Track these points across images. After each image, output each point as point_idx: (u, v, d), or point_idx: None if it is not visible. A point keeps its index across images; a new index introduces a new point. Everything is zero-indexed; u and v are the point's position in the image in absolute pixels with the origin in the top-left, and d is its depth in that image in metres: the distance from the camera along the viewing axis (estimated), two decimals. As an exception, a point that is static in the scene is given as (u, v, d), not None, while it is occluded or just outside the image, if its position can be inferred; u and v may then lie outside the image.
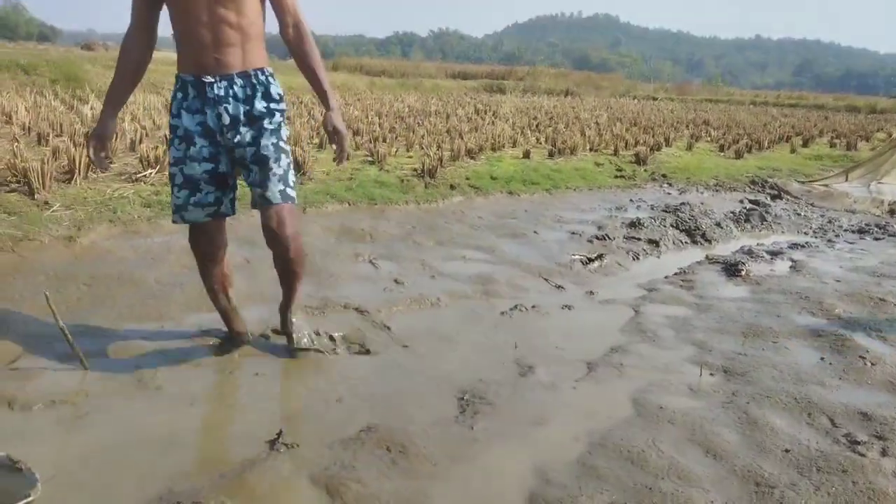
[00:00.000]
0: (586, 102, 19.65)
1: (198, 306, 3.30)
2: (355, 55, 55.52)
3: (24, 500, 1.40)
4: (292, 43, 2.54)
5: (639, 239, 5.23)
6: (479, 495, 2.01)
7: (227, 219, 2.73)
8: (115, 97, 2.55)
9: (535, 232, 5.29)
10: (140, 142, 6.19)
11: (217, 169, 2.54)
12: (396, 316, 3.43)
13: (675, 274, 4.48)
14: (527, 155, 8.10)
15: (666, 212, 6.16)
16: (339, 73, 24.73)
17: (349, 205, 5.43)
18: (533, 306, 3.67)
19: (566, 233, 5.33)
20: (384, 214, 5.36)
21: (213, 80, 2.44)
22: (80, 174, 4.71)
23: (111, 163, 2.61)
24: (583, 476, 2.12)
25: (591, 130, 10.72)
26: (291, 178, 2.59)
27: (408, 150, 7.61)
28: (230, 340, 2.90)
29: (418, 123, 10.13)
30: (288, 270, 2.72)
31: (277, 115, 2.54)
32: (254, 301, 3.46)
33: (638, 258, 4.87)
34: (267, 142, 2.50)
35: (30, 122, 6.84)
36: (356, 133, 8.44)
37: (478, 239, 4.95)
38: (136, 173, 5.14)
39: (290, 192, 2.57)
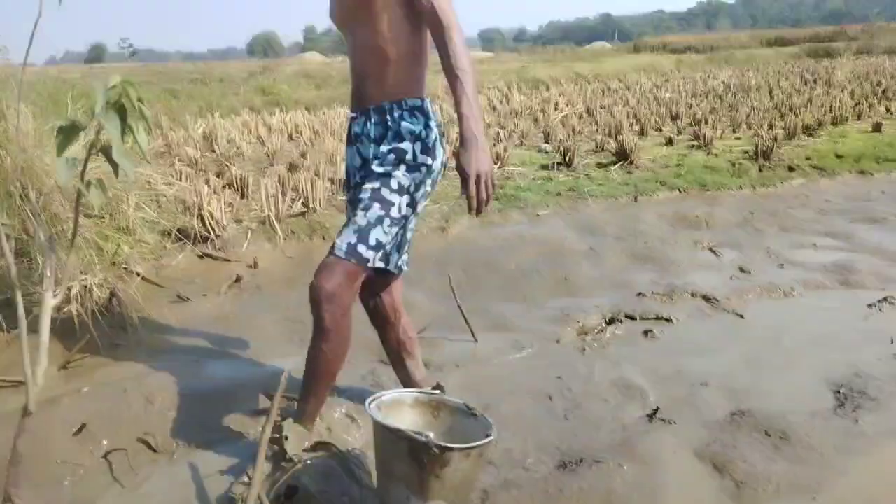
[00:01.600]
0: (946, 59, 16.56)
1: (556, 291, 3.66)
2: (655, 33, 53.62)
3: (487, 440, 1.78)
4: (431, 34, 1.95)
5: None
6: (879, 491, 1.97)
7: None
8: None
9: (897, 216, 4.76)
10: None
11: None
12: (748, 305, 3.41)
13: None
14: (877, 128, 7.21)
15: None
16: (642, 54, 24.21)
17: (679, 192, 5.43)
18: (906, 299, 3.36)
19: (939, 216, 4.69)
20: (717, 200, 5.26)
21: (354, 115, 2.11)
22: (439, 172, 5.44)
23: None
24: None
25: (959, 93, 9.09)
26: (377, 235, 1.96)
27: (734, 131, 7.29)
28: None
29: (740, 101, 9.57)
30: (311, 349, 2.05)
31: (393, 155, 2.00)
32: (602, 288, 3.71)
33: None
34: (368, 185, 1.99)
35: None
36: (675, 117, 8.29)
37: (828, 224, 4.62)
38: (481, 169, 5.75)
39: (362, 250, 1.95)
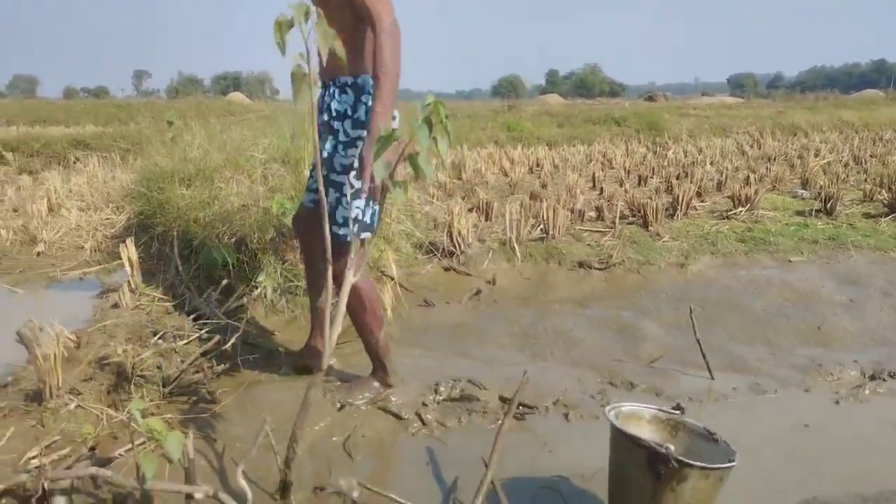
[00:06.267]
0: None
1: (806, 339, 3.40)
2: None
3: (730, 464, 1.74)
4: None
5: None
6: None
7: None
8: None
9: None
10: (725, 182, 6.59)
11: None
12: None
13: None
14: None
15: None
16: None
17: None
18: None
19: None
20: None
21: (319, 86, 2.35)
22: (681, 210, 5.32)
23: None
24: None
25: None
26: (342, 213, 2.28)
27: None
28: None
29: None
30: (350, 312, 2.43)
31: (330, 137, 2.26)
32: (862, 342, 3.38)
33: None
34: (324, 171, 2.25)
35: (628, 166, 7.98)
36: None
37: None
38: (727, 211, 5.51)
39: (335, 229, 2.28)
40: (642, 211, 5.03)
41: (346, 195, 2.24)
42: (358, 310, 2.43)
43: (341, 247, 2.25)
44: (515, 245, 4.46)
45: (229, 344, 2.71)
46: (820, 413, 2.66)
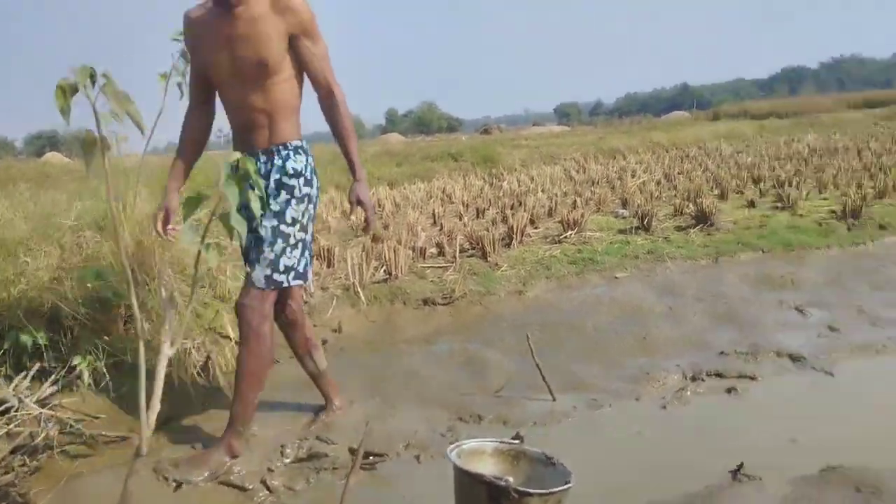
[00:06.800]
0: None
1: (635, 351, 3.64)
2: (735, 101, 52.86)
3: (566, 486, 1.81)
4: (324, 111, 2.53)
5: None
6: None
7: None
8: (175, 173, 2.59)
9: None
10: (555, 208, 6.99)
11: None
12: (838, 363, 3.30)
13: None
14: (976, 184, 6.88)
15: None
16: (722, 121, 23.86)
17: (763, 252, 5.33)
18: None
19: None
20: (803, 260, 5.12)
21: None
22: (516, 239, 5.56)
23: (173, 236, 2.55)
24: None
25: None
26: (285, 262, 2.45)
27: (820, 192, 7.12)
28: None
29: (826, 163, 9.35)
30: (239, 357, 2.52)
31: (284, 192, 2.44)
32: (682, 347, 3.68)
33: None
34: (267, 223, 2.39)
35: (466, 199, 8.24)
36: (757, 180, 8.18)
37: (925, 282, 4.42)
38: (558, 235, 5.84)
39: (277, 277, 2.45)
40: (480, 243, 5.20)
41: (289, 245, 2.45)
42: (253, 364, 2.47)
43: (273, 293, 2.48)
44: (359, 289, 4.44)
45: (41, 437, 2.46)
46: (650, 419, 2.85)
